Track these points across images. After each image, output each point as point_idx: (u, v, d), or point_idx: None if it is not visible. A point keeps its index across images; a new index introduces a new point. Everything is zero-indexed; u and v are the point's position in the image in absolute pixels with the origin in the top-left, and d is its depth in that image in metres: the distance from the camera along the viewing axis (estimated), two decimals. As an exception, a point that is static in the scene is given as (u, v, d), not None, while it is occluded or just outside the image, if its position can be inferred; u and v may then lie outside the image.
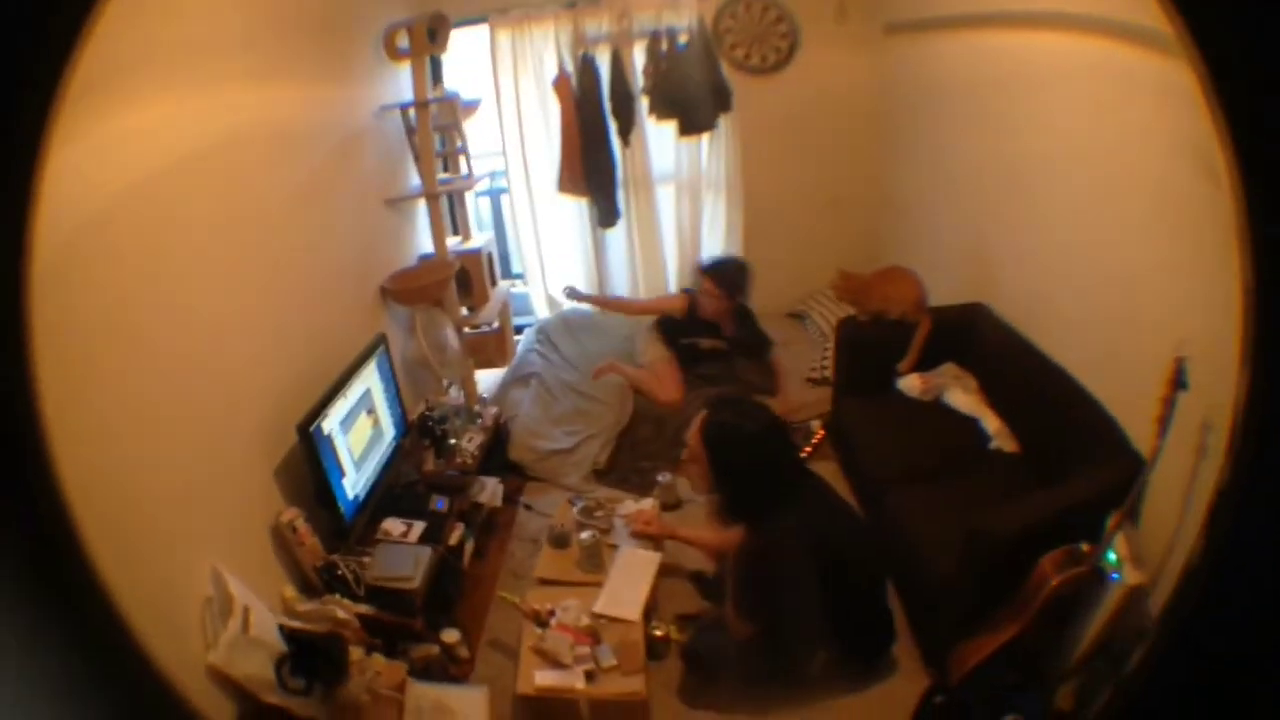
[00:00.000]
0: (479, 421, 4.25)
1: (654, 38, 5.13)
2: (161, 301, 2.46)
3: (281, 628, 2.64)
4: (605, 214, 5.47)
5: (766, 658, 2.84)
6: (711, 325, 4.74)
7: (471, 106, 5.04)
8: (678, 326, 4.79)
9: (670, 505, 3.89)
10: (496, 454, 4.27)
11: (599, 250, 5.71)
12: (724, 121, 5.38)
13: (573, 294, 5.08)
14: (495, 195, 6.06)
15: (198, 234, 2.72)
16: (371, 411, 3.53)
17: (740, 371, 4.73)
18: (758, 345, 4.78)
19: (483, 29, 5.14)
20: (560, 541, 3.45)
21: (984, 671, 2.62)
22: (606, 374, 4.74)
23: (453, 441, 3.99)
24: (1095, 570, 2.54)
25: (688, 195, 5.63)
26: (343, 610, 2.84)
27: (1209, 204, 2.36)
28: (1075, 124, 3.30)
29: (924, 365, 4.07)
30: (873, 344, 4.17)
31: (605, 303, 5.29)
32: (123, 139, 2.27)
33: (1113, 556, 2.53)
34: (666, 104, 5.25)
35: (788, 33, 5.28)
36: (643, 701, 2.78)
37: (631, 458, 4.42)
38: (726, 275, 4.69)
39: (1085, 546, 2.55)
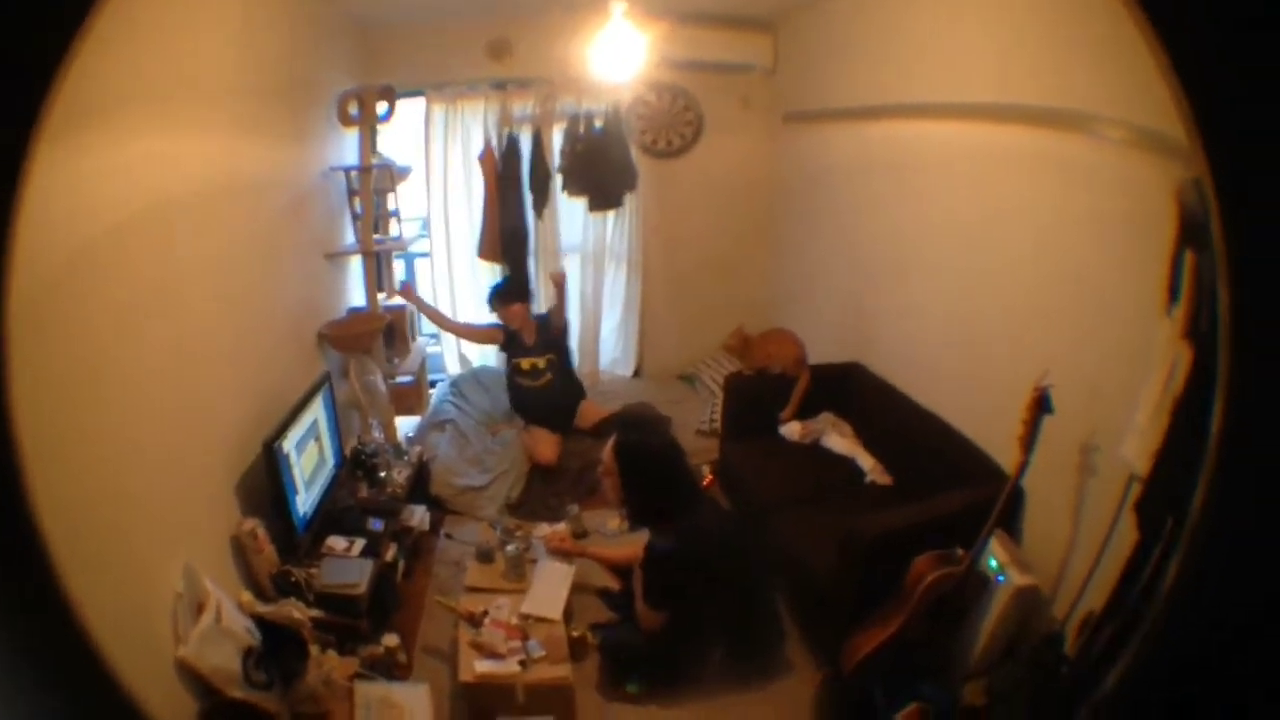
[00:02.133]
0: (405, 458, 4.49)
1: (573, 120, 5.51)
2: (136, 329, 2.58)
3: (254, 615, 2.84)
4: (517, 280, 5.74)
5: (671, 649, 3.20)
6: (523, 343, 5.11)
7: (404, 173, 5.31)
8: (507, 362, 5.23)
9: (578, 534, 4.16)
10: (420, 488, 4.50)
11: (509, 314, 6.02)
12: (629, 199, 5.78)
13: (405, 288, 5.31)
14: (410, 259, 6.31)
15: (173, 269, 2.86)
16: (318, 439, 3.76)
17: (556, 364, 5.17)
18: (560, 332, 5.19)
19: (419, 101, 5.44)
20: (486, 557, 3.74)
21: (875, 660, 2.95)
22: (504, 431, 5.12)
23: (383, 474, 4.22)
24: (975, 573, 2.87)
25: (592, 265, 6.00)
26: (298, 611, 3.01)
27: (1075, 262, 2.82)
28: (940, 201, 3.75)
29: (804, 415, 4.46)
30: (757, 395, 4.57)
31: (428, 310, 5.41)
32: (112, 173, 2.39)
33: (994, 562, 2.86)
34: (579, 182, 5.62)
35: (693, 120, 5.72)
36: (569, 686, 3.09)
37: (542, 494, 4.70)
38: (514, 288, 5.18)
39: (960, 551, 2.90)
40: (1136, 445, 2.41)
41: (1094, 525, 2.66)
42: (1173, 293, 2.26)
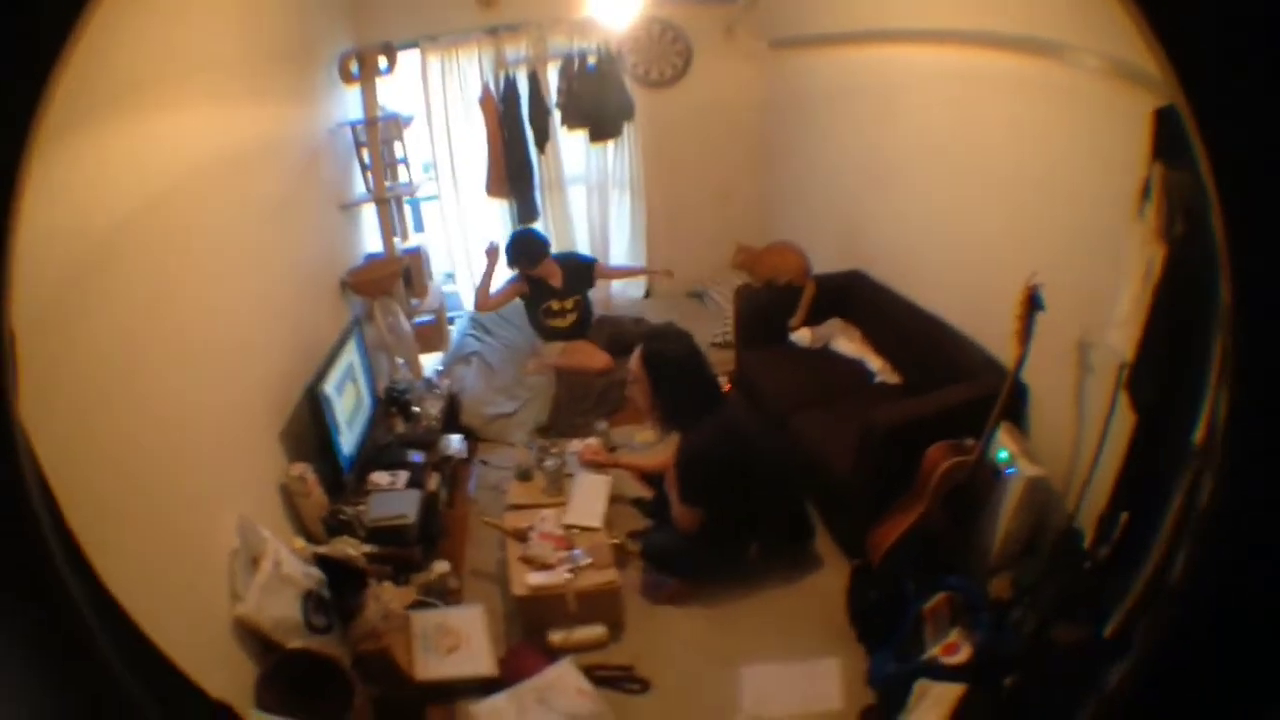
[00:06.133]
0: (436, 391, 4.47)
1: (567, 59, 5.42)
2: (172, 296, 2.57)
3: (317, 555, 2.85)
4: (525, 213, 5.71)
5: (708, 546, 3.22)
6: (548, 287, 5.07)
7: (407, 122, 5.23)
8: (534, 305, 5.15)
9: (608, 449, 4.11)
10: (452, 420, 4.48)
11: (520, 245, 5.99)
12: (628, 129, 5.70)
13: (492, 248, 5.12)
14: (415, 204, 6.23)
15: (209, 235, 2.89)
16: (354, 381, 3.75)
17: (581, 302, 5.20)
18: (586, 272, 5.20)
19: (414, 53, 5.31)
20: (525, 475, 3.74)
21: (901, 549, 2.97)
22: (538, 372, 5.01)
23: (416, 409, 4.21)
24: (986, 463, 2.87)
25: (597, 194, 5.95)
26: (352, 548, 3.03)
27: (1055, 175, 2.87)
28: (929, 119, 3.74)
29: (812, 322, 4.44)
30: (766, 306, 4.53)
31: (486, 282, 5.21)
32: (148, 145, 2.45)
33: (1004, 454, 2.87)
34: (578, 116, 5.54)
35: (683, 50, 5.62)
36: (617, 590, 3.11)
37: (569, 415, 4.67)
38: (541, 245, 5.08)
39: (970, 441, 2.90)
40: (1121, 335, 2.47)
41: (1096, 418, 2.68)
42: (1144, 198, 2.35)
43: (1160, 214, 2.27)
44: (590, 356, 4.98)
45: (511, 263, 5.05)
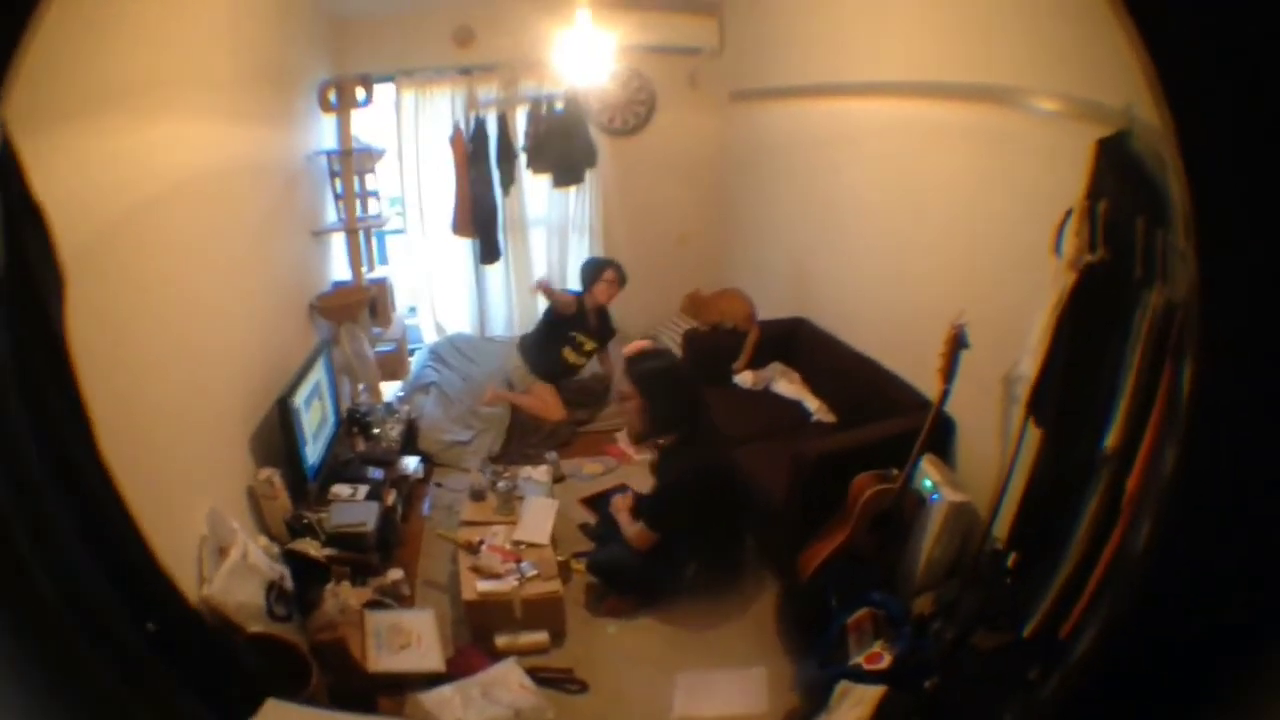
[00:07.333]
0: (396, 415, 4.72)
1: (535, 103, 5.63)
2: (154, 302, 2.76)
3: (283, 549, 3.08)
4: (488, 252, 5.92)
5: (654, 565, 3.48)
6: (585, 319, 5.26)
7: (379, 154, 5.48)
8: (565, 325, 5.31)
9: (557, 479, 4.42)
10: (409, 443, 4.69)
11: (481, 283, 6.18)
12: (590, 175, 5.91)
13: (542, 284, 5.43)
14: (381, 236, 6.46)
15: (189, 246, 3.08)
16: (321, 399, 3.96)
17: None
18: (610, 333, 5.39)
19: (388, 87, 5.49)
20: (478, 495, 3.98)
21: (828, 570, 3.22)
22: (494, 403, 5.19)
23: (377, 430, 4.46)
24: (911, 491, 3.13)
25: (557, 237, 6.13)
26: (314, 549, 3.25)
27: (992, 220, 3.08)
28: (875, 171, 3.98)
29: (755, 365, 4.72)
30: (712, 349, 4.81)
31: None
32: (135, 151, 2.61)
33: (928, 483, 3.12)
34: (543, 161, 5.74)
35: (646, 99, 5.81)
36: (560, 599, 3.36)
37: (520, 446, 4.90)
38: (621, 269, 5.30)
39: (895, 471, 3.17)
40: (1030, 361, 2.71)
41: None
42: (1060, 232, 2.56)
43: (1081, 240, 2.46)
44: (548, 407, 5.16)
45: (595, 274, 5.30)
